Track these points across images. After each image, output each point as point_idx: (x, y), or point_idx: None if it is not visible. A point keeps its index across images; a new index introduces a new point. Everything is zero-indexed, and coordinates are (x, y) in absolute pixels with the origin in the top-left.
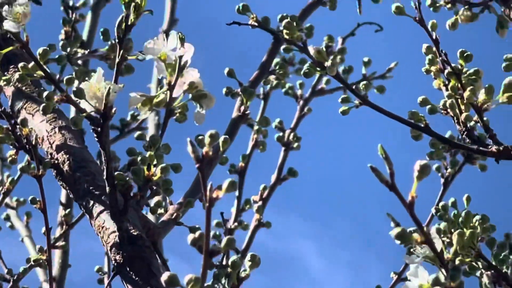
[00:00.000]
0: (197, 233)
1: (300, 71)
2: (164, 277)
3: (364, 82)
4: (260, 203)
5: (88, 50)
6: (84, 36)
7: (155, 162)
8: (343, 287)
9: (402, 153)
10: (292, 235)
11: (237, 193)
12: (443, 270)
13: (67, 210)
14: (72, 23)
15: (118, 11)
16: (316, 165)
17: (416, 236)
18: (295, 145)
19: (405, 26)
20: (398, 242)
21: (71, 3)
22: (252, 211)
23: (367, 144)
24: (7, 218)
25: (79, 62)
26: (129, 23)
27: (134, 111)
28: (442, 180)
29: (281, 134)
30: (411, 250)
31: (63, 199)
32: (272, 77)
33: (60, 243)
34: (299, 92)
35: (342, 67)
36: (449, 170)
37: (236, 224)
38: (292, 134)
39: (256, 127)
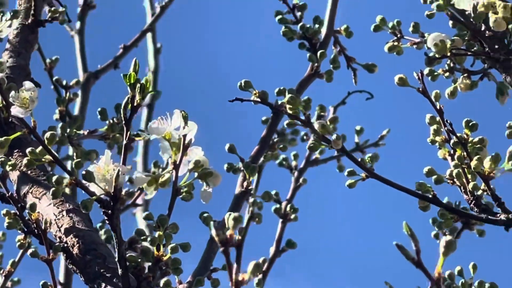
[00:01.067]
0: None
1: (294, 141)
2: None
3: (369, 154)
4: (260, 276)
5: (88, 130)
6: (75, 113)
7: (164, 242)
8: None
9: (403, 218)
10: None
11: (235, 266)
12: None
13: None
14: (67, 103)
15: (107, 88)
16: (314, 235)
17: None
18: (292, 216)
19: (401, 94)
20: None
21: (64, 83)
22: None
23: (366, 212)
24: None
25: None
26: (135, 104)
27: (129, 187)
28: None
29: (278, 206)
30: None
31: (61, 278)
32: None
33: None
34: (293, 163)
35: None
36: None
37: None
38: (289, 206)
39: (251, 200)
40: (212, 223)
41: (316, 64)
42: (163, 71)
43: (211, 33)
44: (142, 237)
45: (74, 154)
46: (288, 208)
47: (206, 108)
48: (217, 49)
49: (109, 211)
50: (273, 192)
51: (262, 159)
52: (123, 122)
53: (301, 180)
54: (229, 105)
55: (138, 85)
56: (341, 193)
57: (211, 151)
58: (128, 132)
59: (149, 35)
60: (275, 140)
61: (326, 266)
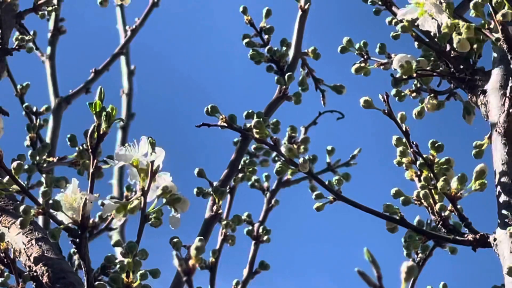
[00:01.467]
0: None
1: (265, 163)
2: None
3: (337, 177)
4: None
5: (57, 157)
6: (47, 139)
7: (133, 269)
8: None
9: (373, 238)
10: None
11: None
12: None
13: None
14: (37, 129)
15: (78, 113)
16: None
17: None
18: (265, 238)
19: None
20: None
21: (34, 109)
22: None
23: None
24: None
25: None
26: (101, 132)
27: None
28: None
29: (250, 227)
30: None
31: None
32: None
33: None
34: (265, 184)
35: (306, 157)
36: (419, 255)
37: None
38: (261, 228)
39: (224, 222)
40: (174, 253)
41: (284, 87)
42: (137, 93)
43: (183, 55)
44: (109, 263)
45: (44, 181)
46: (260, 230)
47: (178, 130)
48: (188, 71)
49: (77, 240)
50: (245, 214)
51: (233, 181)
52: (90, 150)
53: (273, 201)
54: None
55: (104, 113)
56: (313, 213)
57: (180, 175)
58: (95, 160)
59: (122, 58)
60: (246, 161)
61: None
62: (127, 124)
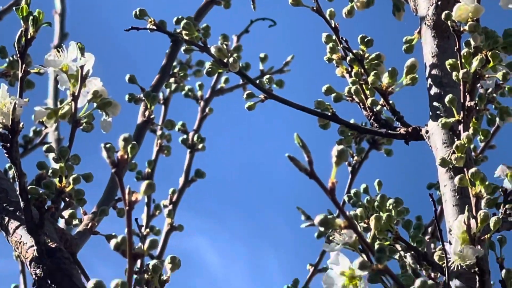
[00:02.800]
0: (120, 238)
1: (199, 72)
2: (90, 284)
3: (267, 76)
4: (170, 207)
5: None
6: None
7: (66, 174)
8: (242, 281)
9: (310, 145)
10: (187, 232)
11: (146, 199)
12: (363, 255)
13: None
14: None
15: (10, 28)
16: (214, 163)
17: (339, 221)
18: (200, 146)
19: (302, 18)
20: (321, 228)
21: None
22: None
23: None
24: None
25: None
26: (29, 36)
27: (36, 126)
28: (350, 169)
29: (185, 136)
30: (330, 238)
31: None
32: (172, 80)
33: None
34: (199, 93)
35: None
36: (355, 157)
37: (148, 230)
38: (196, 136)
39: (159, 133)
40: (102, 145)
41: None
42: (70, 14)
43: None
44: (42, 170)
45: None
46: (195, 138)
47: (110, 41)
48: None
49: (8, 145)
50: (179, 123)
51: (168, 90)
52: (18, 55)
53: (207, 110)
54: (128, 35)
55: (31, 17)
56: (247, 121)
57: (112, 82)
58: (23, 65)
59: None
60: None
61: (233, 193)
62: (60, 44)
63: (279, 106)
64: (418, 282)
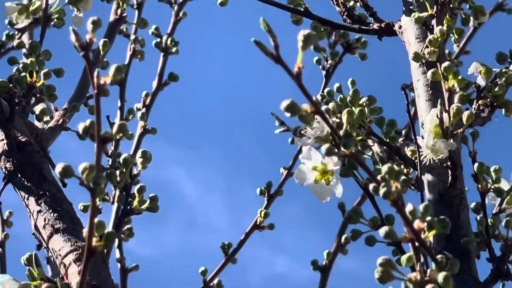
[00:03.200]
0: (88, 122)
1: None
2: (58, 168)
3: None
4: (143, 110)
5: None
6: None
7: (37, 69)
8: (219, 211)
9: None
10: (163, 161)
11: (119, 103)
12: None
13: None
14: None
15: None
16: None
17: (305, 106)
18: (173, 49)
19: None
20: (288, 114)
21: None
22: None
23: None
24: None
25: None
26: None
27: (9, 31)
28: (324, 72)
29: (158, 40)
30: (302, 132)
31: None
32: None
33: None
34: None
35: None
36: (329, 61)
37: (121, 134)
38: (169, 39)
39: (133, 37)
40: (71, 28)
41: None
42: None
43: None
44: (14, 64)
45: None
46: (169, 42)
47: None
48: None
49: None
50: (153, 27)
51: None
52: None
53: (181, 13)
54: None
55: None
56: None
57: None
58: None
59: None
60: None
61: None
62: None
63: (252, 2)
64: (385, 167)
